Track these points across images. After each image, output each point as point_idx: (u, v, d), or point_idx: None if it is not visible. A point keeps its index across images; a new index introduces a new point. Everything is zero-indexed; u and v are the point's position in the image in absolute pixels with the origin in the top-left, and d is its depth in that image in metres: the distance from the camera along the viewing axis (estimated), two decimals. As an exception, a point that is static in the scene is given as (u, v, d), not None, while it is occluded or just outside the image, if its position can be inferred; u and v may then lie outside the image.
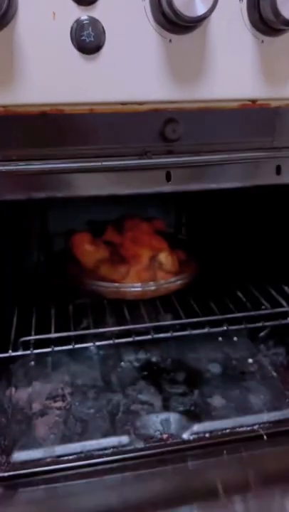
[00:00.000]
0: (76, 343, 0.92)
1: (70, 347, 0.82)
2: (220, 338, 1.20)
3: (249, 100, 0.61)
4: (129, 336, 0.94)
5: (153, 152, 0.64)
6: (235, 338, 1.20)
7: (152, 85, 0.56)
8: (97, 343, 0.90)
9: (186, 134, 0.65)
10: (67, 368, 1.08)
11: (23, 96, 0.54)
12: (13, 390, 1.03)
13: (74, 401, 0.99)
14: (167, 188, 0.67)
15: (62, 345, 0.88)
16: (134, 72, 0.56)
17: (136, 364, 1.11)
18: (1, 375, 1.08)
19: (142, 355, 1.14)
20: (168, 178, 0.66)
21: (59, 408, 0.97)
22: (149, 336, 0.90)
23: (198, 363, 1.11)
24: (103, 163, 0.63)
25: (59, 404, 0.98)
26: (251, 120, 0.67)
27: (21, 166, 0.60)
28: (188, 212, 1.43)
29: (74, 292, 1.03)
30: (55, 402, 0.99)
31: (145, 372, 1.09)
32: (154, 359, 1.13)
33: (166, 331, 0.94)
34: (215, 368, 1.09)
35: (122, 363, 1.11)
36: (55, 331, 0.88)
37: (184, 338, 1.19)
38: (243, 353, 1.16)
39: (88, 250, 0.98)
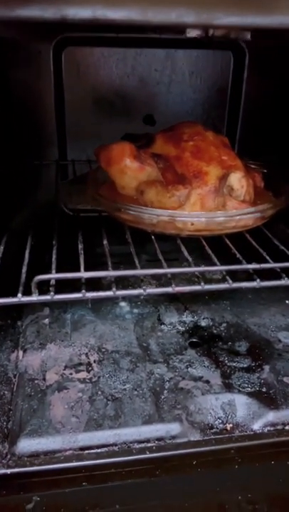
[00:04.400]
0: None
1: (111, 293, 0.55)
2: (287, 301, 0.93)
3: None
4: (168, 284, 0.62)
5: None
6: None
7: None
8: (122, 292, 0.59)
9: None
10: (93, 329, 0.83)
11: None
12: (21, 353, 0.77)
13: (103, 372, 0.73)
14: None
15: (95, 291, 0.58)
16: None
17: (180, 328, 0.85)
18: (5, 332, 0.82)
19: (187, 318, 0.88)
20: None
21: (83, 381, 0.71)
22: (199, 287, 0.62)
23: (264, 330, 0.85)
24: None
25: (83, 375, 0.72)
26: None
27: None
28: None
29: (106, 223, 0.75)
30: (77, 372, 0.73)
31: (194, 339, 0.82)
32: (203, 323, 0.87)
33: (223, 281, 0.63)
34: (288, 338, 0.83)
35: (163, 326, 0.85)
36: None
37: (240, 298, 0.93)
38: None
39: (131, 167, 0.69)
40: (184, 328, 0.85)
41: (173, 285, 0.58)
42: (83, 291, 0.56)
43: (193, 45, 1.06)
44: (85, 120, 1.10)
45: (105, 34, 1.02)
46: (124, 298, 0.88)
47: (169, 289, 0.58)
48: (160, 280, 0.95)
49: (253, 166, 0.84)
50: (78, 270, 0.64)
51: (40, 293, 0.56)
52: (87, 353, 0.77)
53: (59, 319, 0.85)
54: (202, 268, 0.64)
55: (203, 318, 0.88)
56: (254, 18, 0.37)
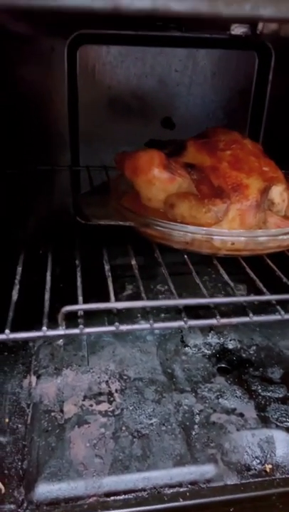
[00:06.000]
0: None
1: (147, 326, 0.48)
2: None
3: None
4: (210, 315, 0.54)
5: None
6: None
7: None
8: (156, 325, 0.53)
9: None
10: (112, 352, 0.76)
11: None
12: (34, 379, 0.71)
13: (126, 403, 0.66)
14: None
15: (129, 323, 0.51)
16: None
17: (206, 351, 0.79)
18: (16, 354, 0.76)
19: (212, 339, 0.81)
20: None
21: (105, 414, 0.64)
22: (247, 318, 0.55)
23: (298, 354, 0.78)
24: None
25: (104, 407, 0.66)
26: None
27: None
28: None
29: (128, 235, 0.68)
30: (98, 403, 0.66)
31: (222, 364, 0.76)
32: (230, 345, 0.80)
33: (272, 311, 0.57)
34: None
35: (187, 349, 0.79)
36: (95, 298, 0.51)
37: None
38: None
39: (160, 178, 0.62)
40: (210, 352, 0.78)
41: (218, 316, 0.52)
42: (116, 323, 0.49)
43: (216, 45, 1.00)
44: (99, 122, 1.03)
45: (123, 32, 0.95)
46: (144, 317, 0.81)
47: (213, 321, 0.52)
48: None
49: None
50: (102, 291, 0.57)
51: (70, 323, 0.49)
52: (107, 381, 0.70)
53: (74, 340, 0.78)
54: (250, 297, 0.57)
55: (230, 340, 0.81)
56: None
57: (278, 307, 0.54)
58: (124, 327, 0.49)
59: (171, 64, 1.01)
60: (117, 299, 0.90)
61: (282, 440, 0.63)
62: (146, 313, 0.57)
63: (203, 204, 0.59)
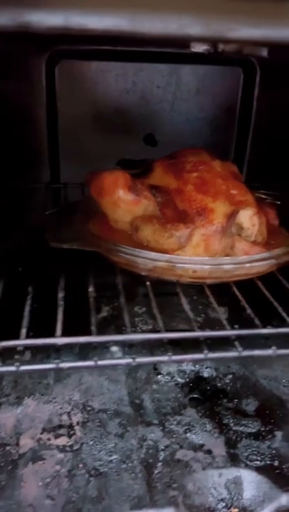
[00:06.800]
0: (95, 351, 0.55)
1: (92, 363, 0.45)
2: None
3: None
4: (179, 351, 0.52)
5: None
6: None
7: None
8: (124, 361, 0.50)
9: None
10: (78, 380, 0.72)
11: None
12: (-5, 408, 0.67)
13: (87, 438, 0.63)
14: None
15: (74, 360, 0.49)
16: None
17: (179, 379, 0.75)
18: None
19: (187, 366, 0.78)
20: None
21: (62, 449, 0.61)
22: (201, 355, 0.51)
23: (276, 385, 0.74)
24: None
25: (63, 441, 0.62)
26: None
27: None
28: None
29: (94, 266, 0.66)
30: (56, 437, 0.62)
31: (195, 395, 0.72)
32: (205, 373, 0.76)
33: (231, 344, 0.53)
34: (303, 397, 0.72)
35: (160, 377, 0.75)
36: (63, 332, 0.49)
37: (247, 343, 0.82)
38: None
39: (124, 199, 0.59)
40: (183, 380, 0.75)
41: (169, 353, 0.48)
42: (57, 360, 0.46)
43: (200, 61, 0.97)
44: (80, 139, 1.01)
45: (102, 47, 0.93)
46: (116, 343, 0.78)
47: (164, 358, 0.48)
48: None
49: (263, 197, 0.75)
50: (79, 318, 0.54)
51: (7, 359, 0.46)
52: (69, 412, 0.66)
53: (41, 366, 0.74)
54: (207, 333, 0.53)
55: (206, 368, 0.77)
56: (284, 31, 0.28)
57: (236, 343, 0.51)
58: (64, 364, 0.46)
59: (153, 80, 0.99)
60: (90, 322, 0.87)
61: (251, 481, 0.59)
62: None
63: (165, 229, 0.56)
